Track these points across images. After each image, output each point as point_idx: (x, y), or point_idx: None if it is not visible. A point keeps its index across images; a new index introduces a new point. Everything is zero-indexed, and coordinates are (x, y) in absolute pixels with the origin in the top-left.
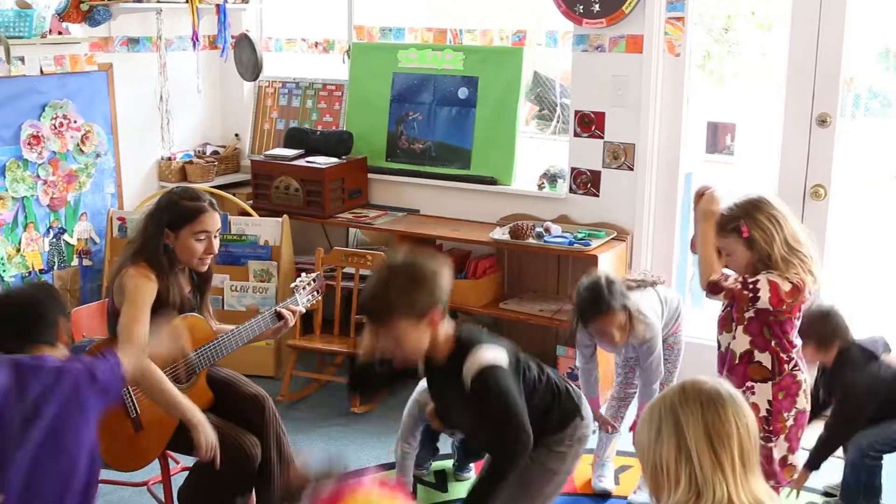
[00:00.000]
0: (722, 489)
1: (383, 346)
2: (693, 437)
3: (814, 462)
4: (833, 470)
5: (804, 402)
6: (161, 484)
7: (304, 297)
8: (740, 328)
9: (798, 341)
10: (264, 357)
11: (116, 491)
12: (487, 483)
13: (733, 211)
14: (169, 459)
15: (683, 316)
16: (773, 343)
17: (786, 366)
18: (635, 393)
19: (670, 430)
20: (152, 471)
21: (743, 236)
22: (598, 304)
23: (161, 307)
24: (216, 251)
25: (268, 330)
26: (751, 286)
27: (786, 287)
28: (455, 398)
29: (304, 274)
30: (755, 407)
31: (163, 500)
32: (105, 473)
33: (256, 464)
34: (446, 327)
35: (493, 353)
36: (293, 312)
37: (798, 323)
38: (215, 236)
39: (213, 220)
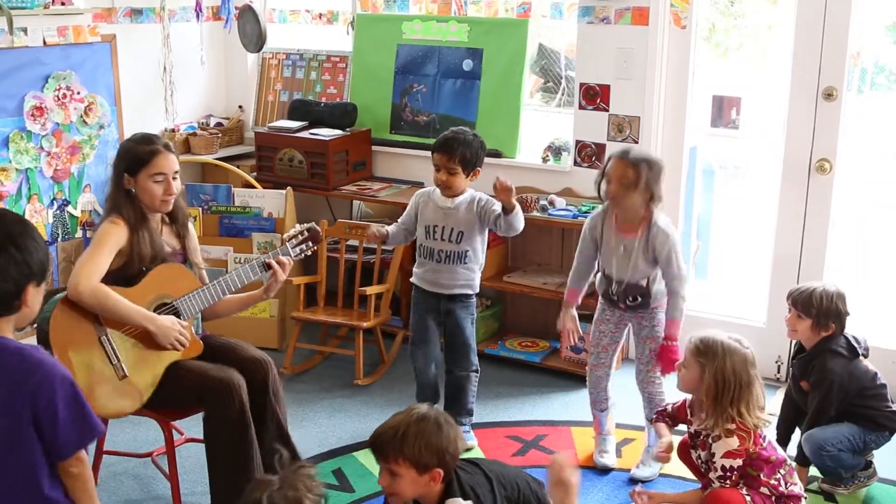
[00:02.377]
0: None
1: (380, 481)
2: None
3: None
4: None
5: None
6: (165, 455)
7: (294, 248)
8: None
9: (789, 462)
10: (268, 329)
11: (121, 462)
12: None
13: (716, 345)
14: (173, 431)
15: None
16: (760, 477)
17: (780, 488)
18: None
19: None
20: (156, 442)
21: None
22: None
23: (134, 256)
24: (175, 191)
25: (258, 291)
26: (728, 474)
27: (735, 444)
28: None
29: (297, 224)
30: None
31: (167, 470)
32: (109, 444)
33: (245, 393)
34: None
35: None
36: (282, 265)
37: (768, 445)
38: (174, 177)
39: (168, 162)
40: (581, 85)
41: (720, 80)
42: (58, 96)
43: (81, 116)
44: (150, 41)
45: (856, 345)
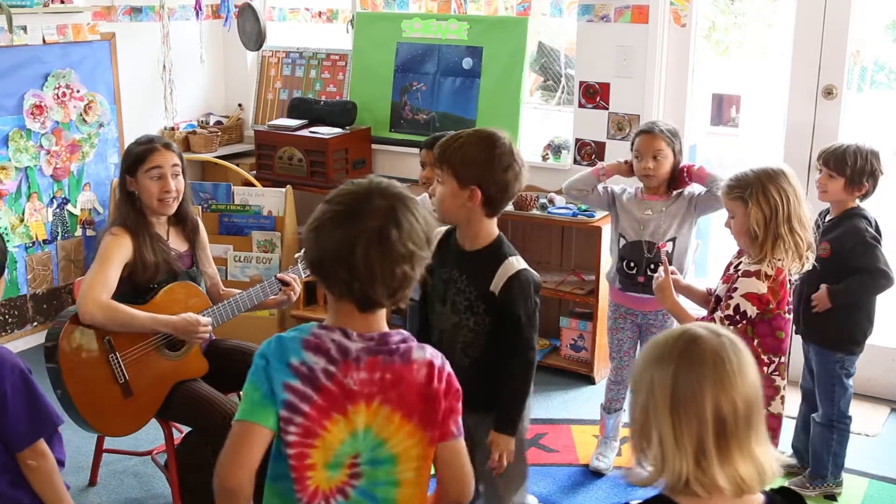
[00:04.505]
0: (681, 467)
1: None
2: (659, 400)
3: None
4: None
5: (779, 407)
6: (165, 453)
7: (306, 267)
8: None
9: (786, 343)
10: (268, 327)
11: (121, 460)
12: (517, 386)
13: (748, 177)
14: (173, 429)
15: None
16: (755, 342)
17: (765, 368)
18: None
19: (646, 383)
20: (156, 440)
21: (745, 206)
22: (644, 126)
23: (138, 263)
24: (172, 189)
25: (270, 300)
26: (737, 318)
27: (762, 289)
28: (465, 287)
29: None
30: None
31: (167, 468)
32: (109, 443)
33: None
34: (492, 224)
35: (533, 272)
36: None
37: (789, 318)
38: (174, 175)
39: (164, 157)
40: (581, 83)
41: (720, 78)
42: (57, 94)
43: (81, 115)
44: (150, 39)
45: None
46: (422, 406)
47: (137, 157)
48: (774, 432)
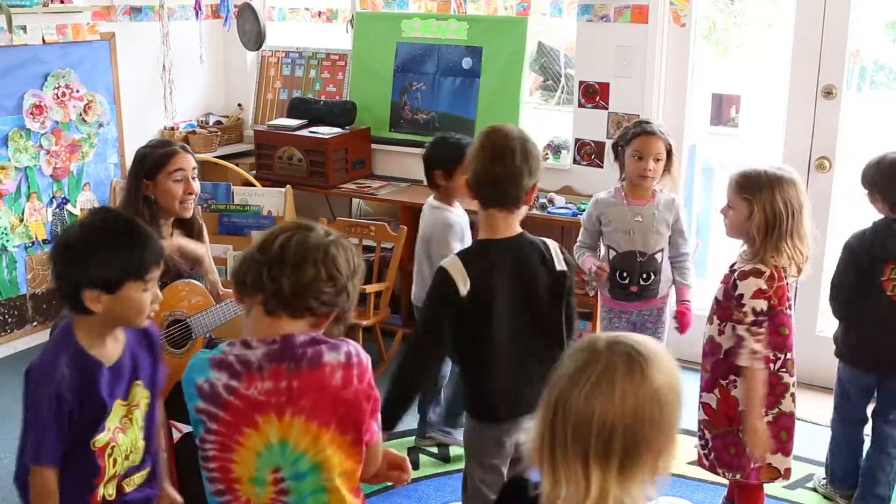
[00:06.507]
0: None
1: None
2: (561, 411)
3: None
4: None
5: (790, 405)
6: (165, 452)
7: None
8: (728, 323)
9: (790, 340)
10: None
11: None
12: None
13: (759, 178)
14: (172, 429)
15: None
16: None
17: (771, 365)
18: None
19: (551, 392)
20: None
21: (749, 208)
22: (642, 125)
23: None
24: (196, 191)
25: None
26: (759, 320)
27: (763, 285)
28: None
29: None
30: (734, 401)
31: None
32: None
33: None
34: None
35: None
36: None
37: (791, 314)
38: (193, 177)
39: (187, 160)
40: (580, 83)
41: (720, 78)
42: (57, 94)
43: (80, 115)
44: (150, 39)
45: None
46: (342, 411)
47: (159, 161)
48: (788, 432)
